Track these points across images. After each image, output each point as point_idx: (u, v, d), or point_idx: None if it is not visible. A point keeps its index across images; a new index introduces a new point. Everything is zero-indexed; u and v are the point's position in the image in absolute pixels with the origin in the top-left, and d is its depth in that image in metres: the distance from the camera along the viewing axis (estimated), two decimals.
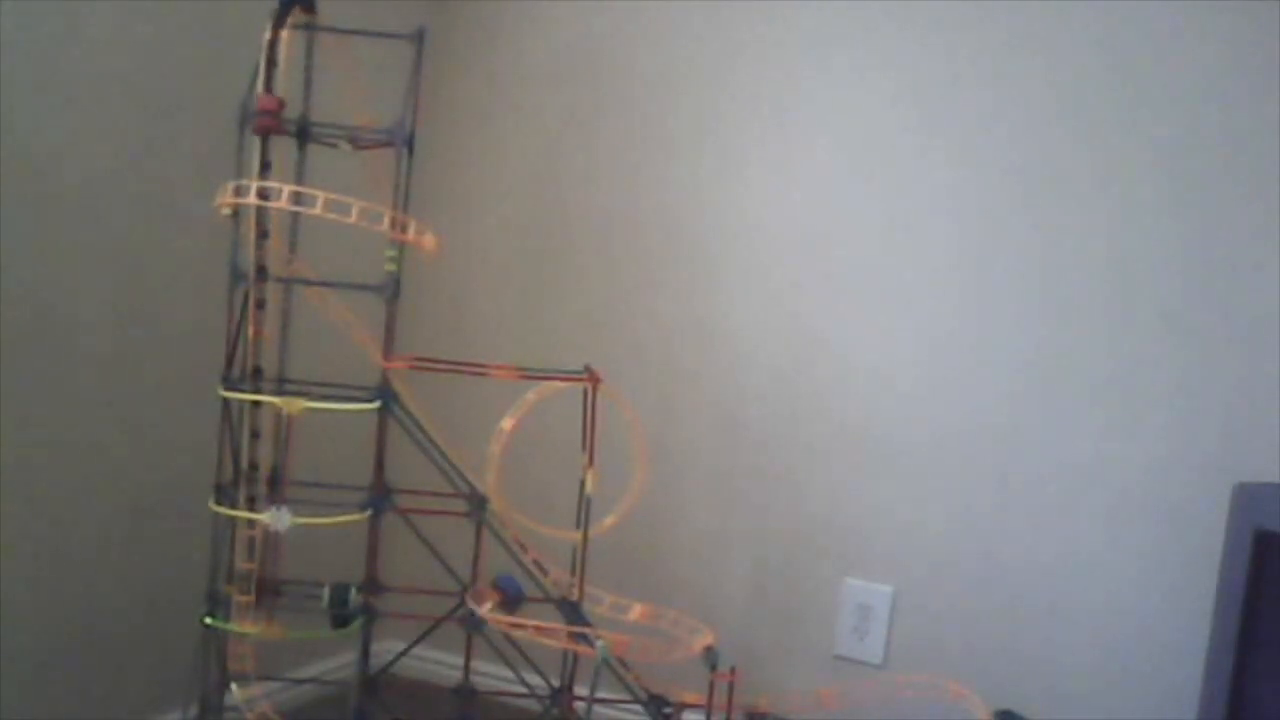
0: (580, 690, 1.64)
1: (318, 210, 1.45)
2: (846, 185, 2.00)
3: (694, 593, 2.07)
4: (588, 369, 1.64)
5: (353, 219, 1.44)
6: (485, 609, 1.57)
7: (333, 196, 1.44)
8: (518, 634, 1.55)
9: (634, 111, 2.12)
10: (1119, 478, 1.86)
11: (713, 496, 2.10)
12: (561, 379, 1.62)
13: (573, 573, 1.63)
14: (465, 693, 1.67)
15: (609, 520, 1.68)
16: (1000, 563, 1.92)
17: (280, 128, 1.50)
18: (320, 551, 1.59)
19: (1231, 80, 1.79)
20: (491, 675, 1.74)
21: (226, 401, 1.53)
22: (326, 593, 1.57)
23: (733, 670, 1.56)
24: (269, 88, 1.50)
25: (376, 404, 1.54)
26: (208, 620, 1.55)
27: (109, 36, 1.65)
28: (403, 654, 1.70)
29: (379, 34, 1.57)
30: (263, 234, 1.52)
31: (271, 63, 1.49)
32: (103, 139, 1.67)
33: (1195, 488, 1.80)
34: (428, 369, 1.58)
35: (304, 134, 1.63)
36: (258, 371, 1.60)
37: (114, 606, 1.77)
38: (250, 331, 1.54)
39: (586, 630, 1.56)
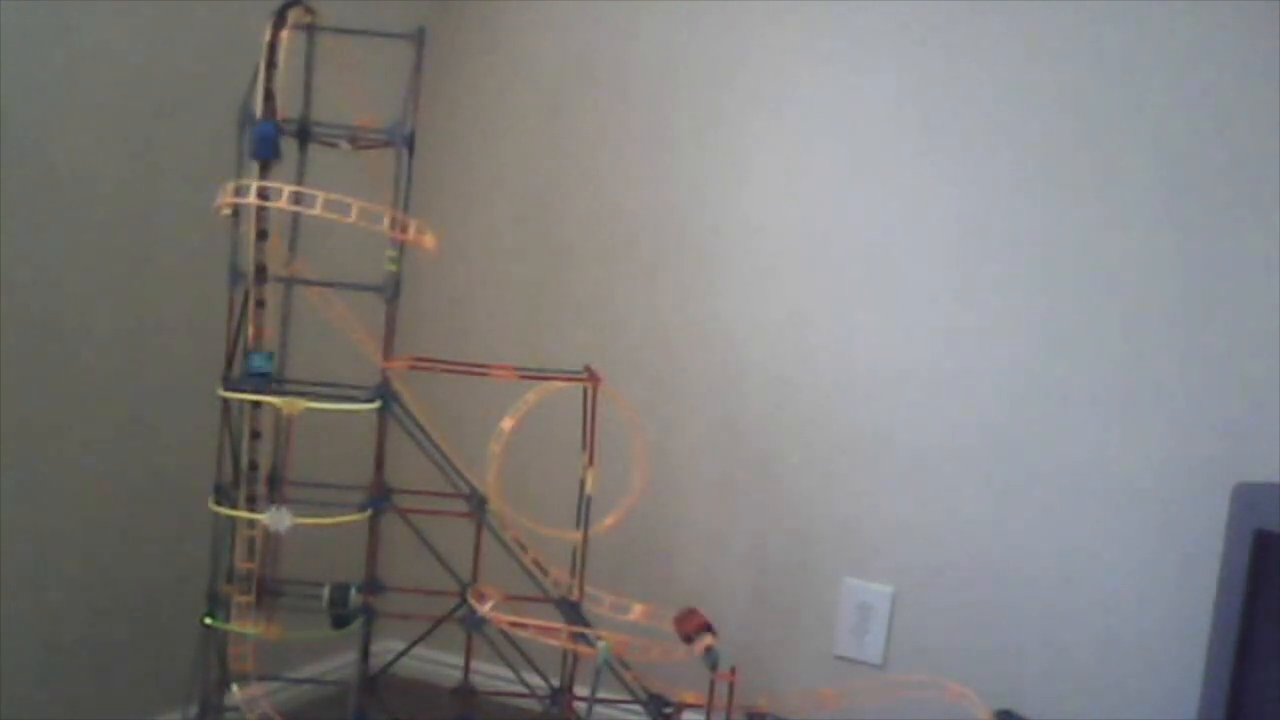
0: (580, 690, 1.64)
1: (317, 210, 1.45)
2: (847, 185, 2.00)
3: (694, 593, 2.07)
4: (588, 369, 1.64)
5: (352, 219, 1.44)
6: (486, 608, 1.57)
7: (333, 196, 1.44)
8: (518, 634, 1.55)
9: (634, 111, 2.12)
10: (1119, 478, 1.86)
11: (713, 496, 2.10)
12: (561, 379, 1.62)
13: (573, 573, 1.63)
14: (465, 693, 1.67)
15: (609, 520, 1.68)
16: (1000, 563, 1.92)
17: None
18: (320, 551, 1.59)
19: (1231, 81, 1.79)
20: (491, 675, 1.74)
21: (226, 401, 1.53)
22: (326, 593, 1.57)
23: (733, 670, 1.56)
24: (269, 88, 1.50)
25: (376, 404, 1.54)
26: (208, 620, 1.55)
27: (109, 36, 1.65)
28: (403, 654, 1.70)
29: (379, 34, 1.57)
30: (262, 234, 1.52)
31: (271, 63, 1.49)
32: (103, 139, 1.67)
33: (1195, 488, 1.80)
34: (428, 369, 1.58)
35: (304, 134, 1.63)
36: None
37: (114, 606, 1.77)
38: (250, 331, 1.54)
39: (588, 631, 1.56)
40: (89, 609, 1.73)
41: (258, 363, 1.52)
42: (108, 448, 1.73)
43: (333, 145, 1.60)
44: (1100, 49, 1.85)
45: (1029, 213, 1.90)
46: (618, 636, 1.54)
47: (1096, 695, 1.87)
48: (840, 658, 2.02)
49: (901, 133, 1.96)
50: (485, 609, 1.57)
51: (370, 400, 1.54)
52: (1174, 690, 1.80)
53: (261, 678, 1.61)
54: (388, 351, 1.54)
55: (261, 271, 1.53)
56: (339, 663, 1.85)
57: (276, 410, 1.52)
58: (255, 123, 1.48)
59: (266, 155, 1.49)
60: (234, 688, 1.59)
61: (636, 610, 1.64)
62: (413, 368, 1.57)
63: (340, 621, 1.58)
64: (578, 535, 1.63)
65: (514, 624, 1.55)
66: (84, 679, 1.74)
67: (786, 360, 2.04)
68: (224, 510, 1.53)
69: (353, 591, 1.57)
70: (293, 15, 1.52)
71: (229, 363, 1.53)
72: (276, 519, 1.50)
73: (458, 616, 1.61)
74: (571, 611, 1.61)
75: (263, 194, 1.47)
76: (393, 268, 1.52)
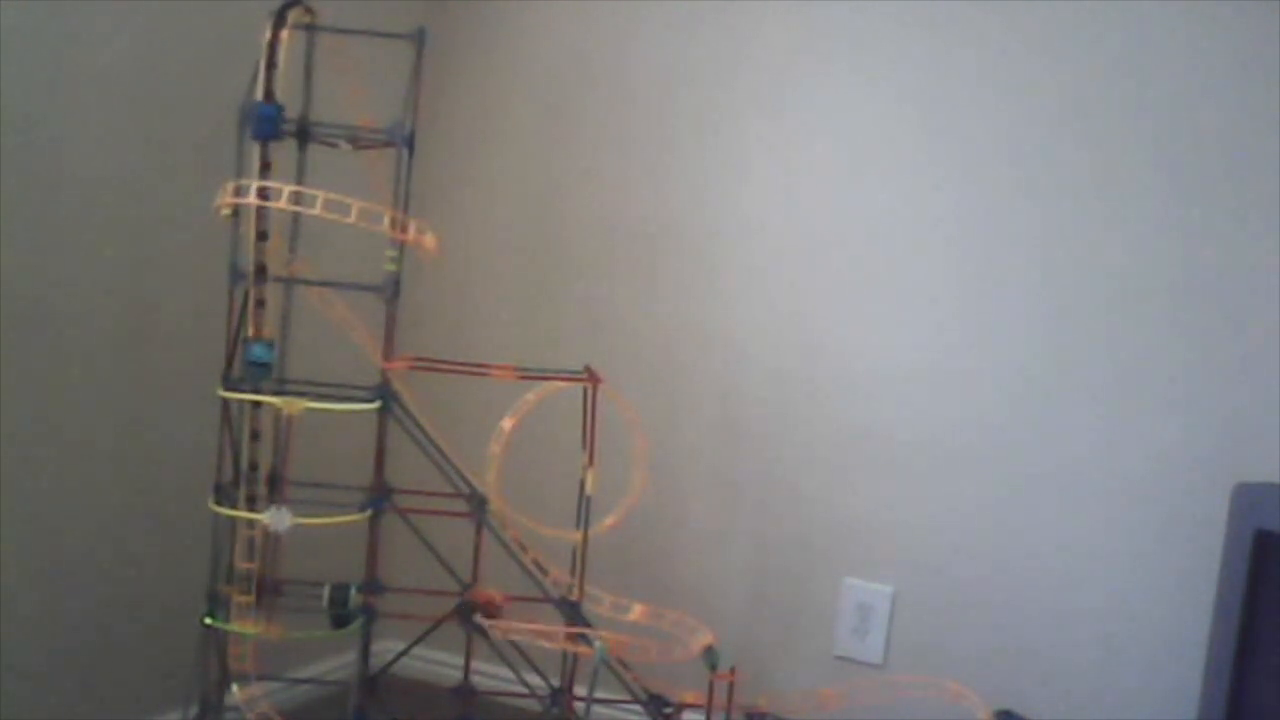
0: (580, 690, 1.64)
1: (317, 210, 1.45)
2: (846, 185, 2.00)
3: (694, 593, 2.07)
4: (588, 369, 1.64)
5: (352, 219, 1.45)
6: (488, 625, 1.57)
7: (333, 196, 1.44)
8: (518, 635, 1.56)
9: (634, 111, 2.12)
10: (1119, 477, 1.86)
11: (713, 496, 2.10)
12: (561, 379, 1.62)
13: (573, 573, 1.64)
14: (465, 693, 1.67)
15: (609, 520, 1.68)
16: (1000, 562, 1.92)
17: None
18: (320, 551, 1.59)
19: (1231, 80, 1.79)
20: (491, 675, 1.74)
21: (226, 401, 1.53)
22: (326, 593, 1.57)
23: (733, 670, 1.56)
24: (269, 89, 1.50)
25: (376, 404, 1.54)
26: (208, 620, 1.55)
27: (109, 36, 1.65)
28: (403, 654, 1.70)
29: (379, 34, 1.57)
30: (262, 234, 1.52)
31: (271, 63, 1.49)
32: (103, 139, 1.67)
33: (1195, 488, 1.80)
34: (428, 369, 1.58)
35: (304, 134, 1.63)
36: None
37: (114, 606, 1.77)
38: (250, 331, 1.54)
39: (586, 631, 1.57)
40: (89, 609, 1.73)
41: (258, 352, 1.52)
42: (108, 448, 1.73)
43: (333, 145, 1.60)
44: (1100, 49, 1.85)
45: (1029, 213, 1.90)
46: (617, 636, 1.54)
47: (1096, 695, 1.87)
48: (840, 658, 2.02)
49: (901, 133, 1.96)
50: (487, 625, 1.57)
51: (370, 400, 1.54)
52: (1174, 690, 1.80)
53: (261, 678, 1.61)
54: (388, 351, 1.54)
55: (261, 271, 1.53)
56: (339, 663, 1.85)
57: (276, 410, 1.52)
58: (256, 109, 1.48)
59: (268, 133, 1.49)
60: (234, 688, 1.59)
61: (636, 610, 1.64)
62: (413, 368, 1.57)
63: (340, 621, 1.58)
64: (578, 535, 1.63)
65: (513, 628, 1.55)
66: (84, 679, 1.74)
67: (786, 360, 2.04)
68: (224, 510, 1.53)
69: (353, 591, 1.57)
70: (293, 15, 1.52)
71: (229, 362, 1.53)
72: (276, 519, 1.50)
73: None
74: (571, 611, 1.62)
75: (263, 194, 1.47)
76: (393, 268, 1.52)
